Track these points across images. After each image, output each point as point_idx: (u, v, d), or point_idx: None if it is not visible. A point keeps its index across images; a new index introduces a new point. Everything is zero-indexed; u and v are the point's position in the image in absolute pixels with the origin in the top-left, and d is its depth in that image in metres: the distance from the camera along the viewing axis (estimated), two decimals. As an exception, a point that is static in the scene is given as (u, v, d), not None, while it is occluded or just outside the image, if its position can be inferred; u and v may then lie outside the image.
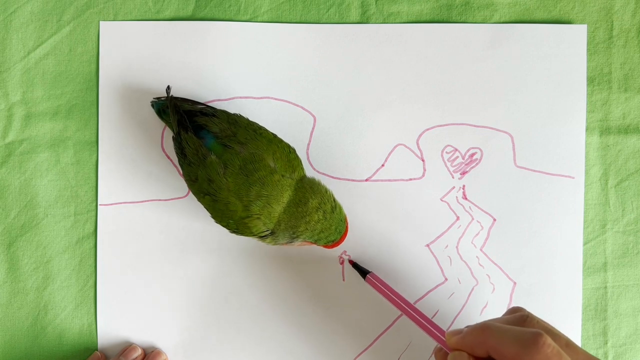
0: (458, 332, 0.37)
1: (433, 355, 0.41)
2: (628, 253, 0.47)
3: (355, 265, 0.46)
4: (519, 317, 0.37)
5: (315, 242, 0.41)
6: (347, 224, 0.42)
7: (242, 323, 0.47)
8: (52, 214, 0.46)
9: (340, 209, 0.42)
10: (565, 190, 0.46)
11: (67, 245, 0.46)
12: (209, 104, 0.45)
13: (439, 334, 0.41)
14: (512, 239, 0.47)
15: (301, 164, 0.42)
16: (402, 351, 0.46)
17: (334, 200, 0.41)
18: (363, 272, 0.45)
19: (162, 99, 0.44)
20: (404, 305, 0.43)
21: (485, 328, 0.35)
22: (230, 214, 0.40)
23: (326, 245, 0.42)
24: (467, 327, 0.37)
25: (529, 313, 0.37)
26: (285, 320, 0.46)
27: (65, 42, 0.46)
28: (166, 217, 0.46)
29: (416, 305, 0.46)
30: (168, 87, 0.43)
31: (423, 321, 0.42)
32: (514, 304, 0.46)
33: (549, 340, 0.33)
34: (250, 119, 0.42)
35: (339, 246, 0.44)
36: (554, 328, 0.36)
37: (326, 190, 0.41)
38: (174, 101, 0.42)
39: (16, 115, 0.46)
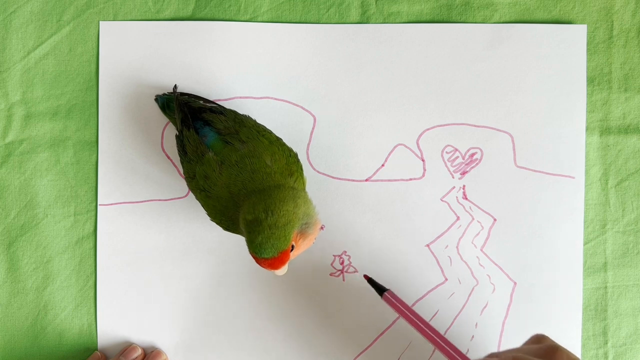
0: None
1: None
2: (628, 253, 0.47)
3: (370, 281, 0.44)
4: (547, 349, 0.35)
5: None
6: (287, 257, 0.37)
7: (242, 323, 0.46)
8: (52, 214, 0.46)
9: (285, 238, 0.37)
10: (566, 190, 0.46)
11: (67, 245, 0.46)
12: (218, 104, 0.45)
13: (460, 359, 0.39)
14: (513, 239, 0.47)
15: (301, 171, 0.41)
16: (402, 351, 0.46)
17: (288, 224, 0.37)
18: (380, 290, 0.43)
19: (167, 94, 0.45)
20: (423, 327, 0.41)
21: None
22: (222, 209, 0.40)
23: (254, 256, 0.37)
24: (493, 355, 0.35)
25: (557, 345, 0.35)
26: (284, 320, 0.46)
27: (65, 42, 0.46)
28: (166, 217, 0.46)
29: (416, 306, 0.46)
30: (175, 86, 0.43)
31: (445, 345, 0.40)
32: (514, 304, 0.46)
33: None
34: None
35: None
36: None
37: (289, 211, 0.37)
38: (181, 99, 0.42)
39: (16, 115, 0.46)
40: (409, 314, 0.42)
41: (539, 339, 0.38)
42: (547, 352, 0.35)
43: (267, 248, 0.37)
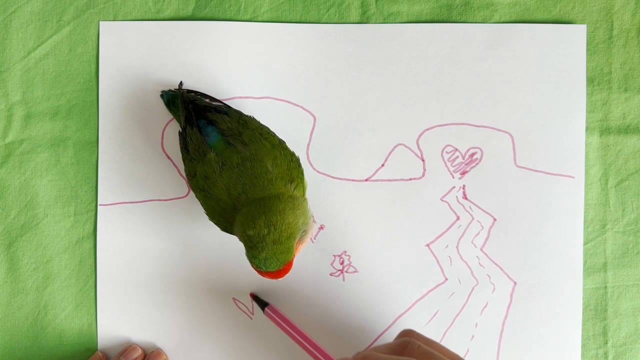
0: None
1: None
2: (628, 253, 0.47)
3: (255, 298, 0.46)
4: (400, 344, 0.36)
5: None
6: (290, 267, 0.38)
7: (242, 323, 0.47)
8: (52, 214, 0.46)
9: (288, 251, 0.38)
10: (565, 190, 0.46)
11: (67, 245, 0.46)
12: (224, 103, 0.45)
13: None
14: (513, 239, 0.47)
15: (302, 176, 0.41)
16: (402, 351, 0.46)
17: (289, 238, 0.38)
18: (263, 304, 0.46)
19: (174, 90, 0.45)
20: (304, 342, 0.44)
21: (365, 359, 0.35)
22: (220, 210, 0.40)
23: (257, 268, 0.39)
24: (354, 356, 0.37)
25: (410, 340, 0.37)
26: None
27: (65, 42, 0.46)
28: (166, 217, 0.46)
29: (416, 306, 0.46)
30: (180, 83, 0.43)
31: (315, 352, 0.43)
32: (514, 304, 0.46)
33: None
34: (251, 119, 0.42)
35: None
36: (437, 354, 0.36)
37: (291, 224, 0.38)
38: (187, 96, 0.42)
39: (16, 115, 0.46)
40: (289, 328, 0.44)
41: (403, 335, 0.39)
42: (400, 346, 0.36)
43: (272, 263, 0.38)
